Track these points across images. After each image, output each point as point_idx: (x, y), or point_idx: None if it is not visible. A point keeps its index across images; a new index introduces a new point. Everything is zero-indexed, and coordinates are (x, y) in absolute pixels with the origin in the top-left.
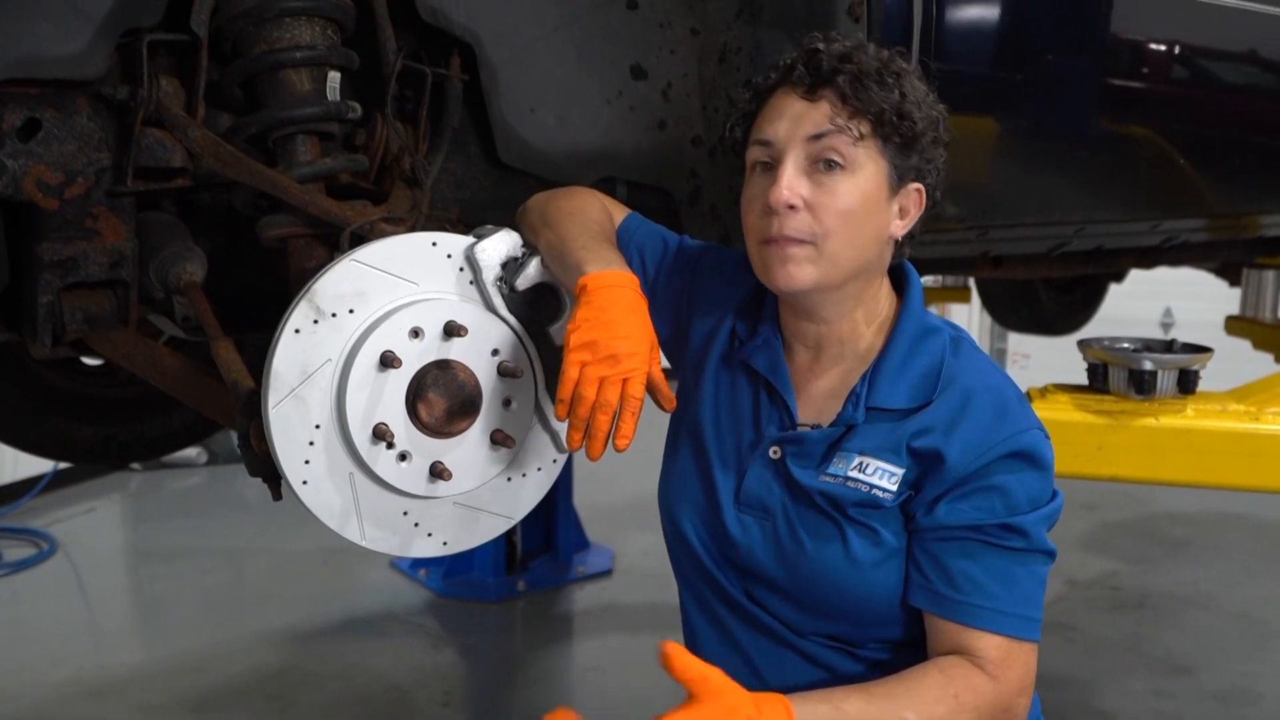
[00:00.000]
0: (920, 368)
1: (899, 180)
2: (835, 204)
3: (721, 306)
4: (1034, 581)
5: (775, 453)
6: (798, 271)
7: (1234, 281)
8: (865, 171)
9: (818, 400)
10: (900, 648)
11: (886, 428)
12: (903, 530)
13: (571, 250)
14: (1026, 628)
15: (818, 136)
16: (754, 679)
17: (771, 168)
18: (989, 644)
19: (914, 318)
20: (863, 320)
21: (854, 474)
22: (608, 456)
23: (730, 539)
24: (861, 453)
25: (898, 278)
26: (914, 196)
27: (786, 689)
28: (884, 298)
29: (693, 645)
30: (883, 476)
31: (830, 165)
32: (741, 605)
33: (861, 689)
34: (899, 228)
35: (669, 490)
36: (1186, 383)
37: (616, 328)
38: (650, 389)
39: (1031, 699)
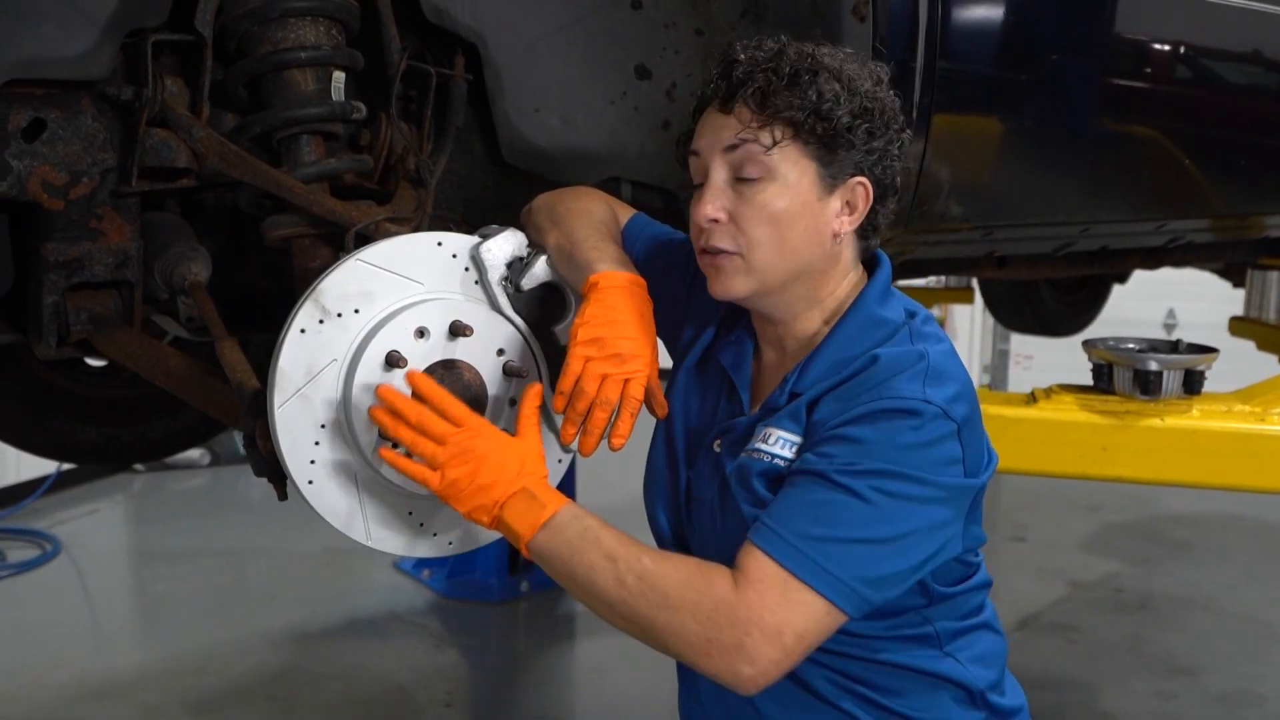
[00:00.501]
0: (849, 354)
1: (833, 179)
2: (756, 214)
3: (711, 308)
4: (856, 539)
5: (717, 446)
6: (730, 282)
7: (1237, 282)
8: (786, 178)
9: (767, 393)
10: (867, 640)
11: (796, 404)
12: None
13: (581, 250)
14: (802, 562)
15: (731, 148)
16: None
17: (701, 184)
18: (755, 560)
19: (864, 312)
20: (819, 317)
21: (758, 444)
22: (610, 456)
23: (692, 532)
24: (768, 425)
25: (872, 268)
26: (859, 191)
27: (769, 695)
28: (844, 290)
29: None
30: (782, 445)
31: (746, 178)
32: None
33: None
34: (846, 223)
35: (646, 486)
36: (1192, 383)
37: (623, 327)
38: (647, 394)
39: (787, 652)
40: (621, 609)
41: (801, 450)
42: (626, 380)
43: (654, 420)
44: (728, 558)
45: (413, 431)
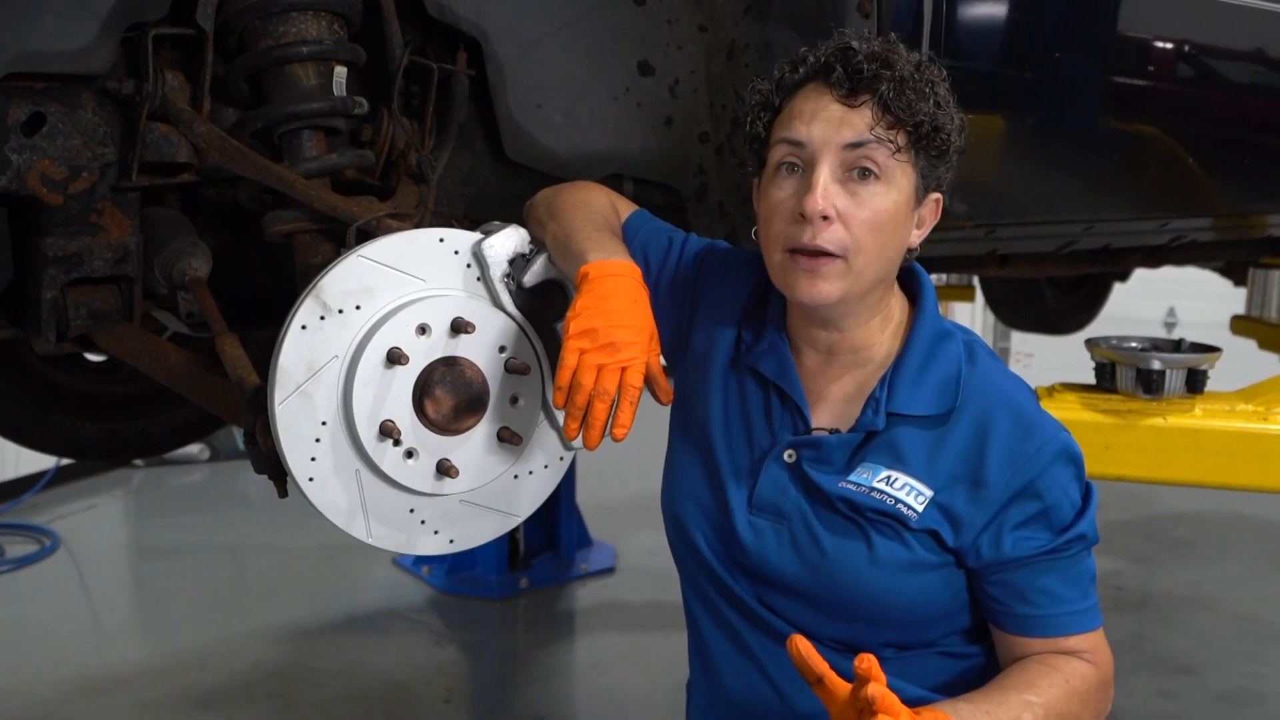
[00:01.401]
0: (939, 373)
1: (924, 191)
2: (868, 217)
3: (726, 308)
4: (1090, 574)
5: (790, 456)
6: (826, 286)
7: (1239, 281)
8: (897, 184)
9: (833, 404)
10: (910, 651)
11: (921, 444)
12: (935, 548)
13: (575, 240)
14: (1097, 616)
15: (856, 145)
16: (766, 683)
17: (798, 170)
18: (1078, 642)
19: (929, 322)
20: (877, 327)
21: (880, 485)
22: (610, 453)
23: (740, 543)
24: (890, 466)
25: (908, 280)
26: (932, 207)
27: (803, 693)
28: (896, 302)
29: (701, 650)
30: (910, 493)
31: (865, 174)
32: (753, 610)
33: (973, 696)
34: (916, 237)
35: (674, 495)
36: (1194, 382)
37: (617, 316)
38: (648, 380)
39: None
40: None
41: (957, 514)
42: (623, 369)
43: (666, 417)
44: (819, 576)
45: None
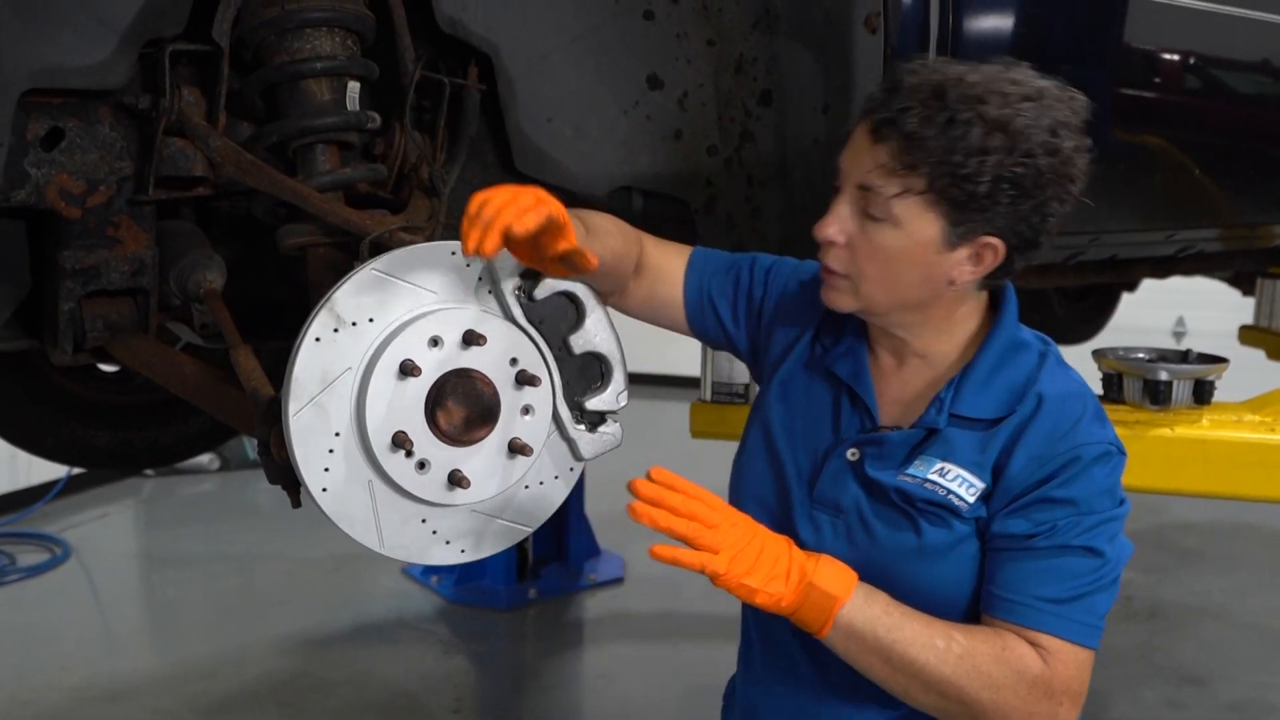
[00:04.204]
0: (1007, 380)
1: (960, 237)
2: (870, 250)
3: (801, 316)
4: (1084, 586)
5: (853, 454)
6: (837, 298)
7: (1247, 291)
8: (909, 227)
9: (900, 404)
10: None
11: (972, 440)
12: (975, 537)
13: None
14: (1078, 630)
15: (864, 187)
16: (813, 674)
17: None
18: (1042, 638)
19: (1005, 333)
20: (937, 338)
21: (933, 477)
22: (619, 464)
23: (800, 540)
24: (945, 459)
25: (998, 295)
26: (988, 250)
27: (847, 689)
28: (967, 319)
29: (746, 649)
30: (962, 485)
31: (870, 216)
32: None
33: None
34: (968, 273)
35: (739, 491)
36: (1202, 393)
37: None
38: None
39: (1080, 707)
40: (943, 686)
41: (989, 499)
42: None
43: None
44: (869, 566)
45: (685, 520)
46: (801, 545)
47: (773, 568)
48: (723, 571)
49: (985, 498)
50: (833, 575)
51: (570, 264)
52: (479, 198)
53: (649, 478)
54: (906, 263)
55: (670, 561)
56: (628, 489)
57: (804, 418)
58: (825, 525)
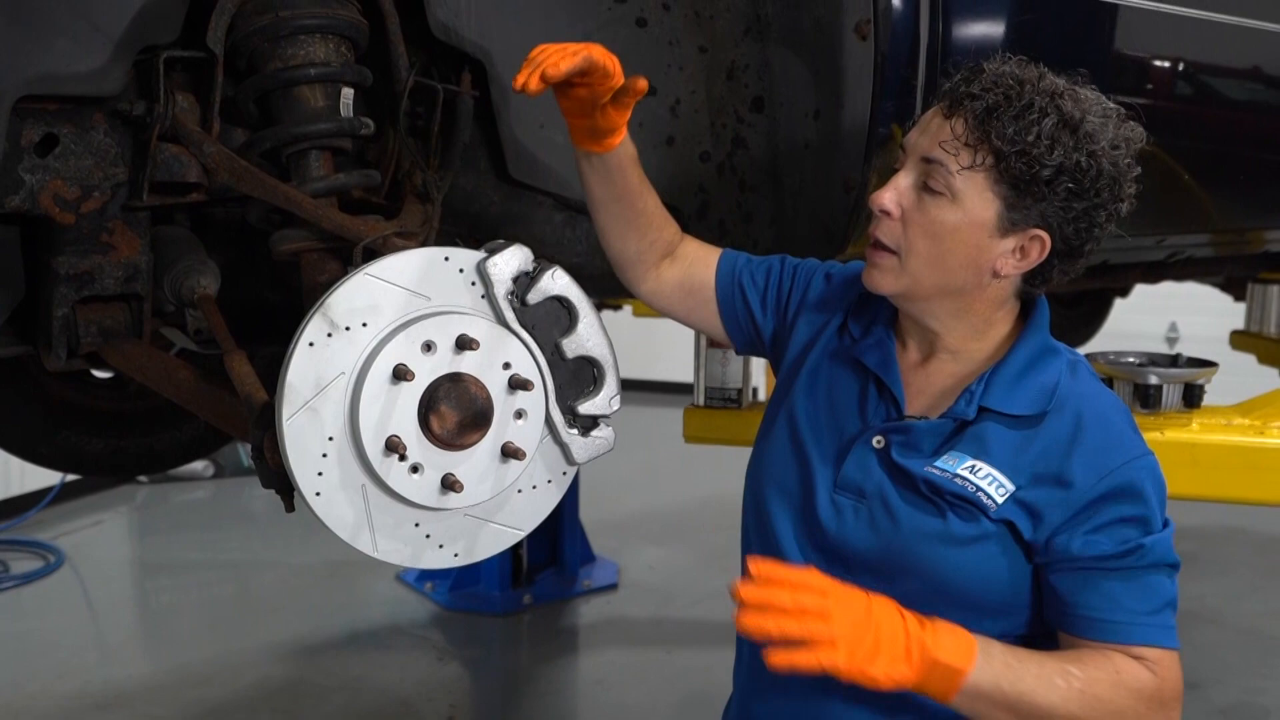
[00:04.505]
0: (1038, 381)
1: (1013, 223)
2: (924, 223)
3: (829, 309)
4: (1166, 597)
5: (879, 442)
6: (880, 278)
7: (1238, 296)
8: (968, 204)
9: (928, 396)
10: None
11: (1008, 440)
12: (1009, 539)
13: None
14: (1170, 636)
15: (928, 160)
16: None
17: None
18: (1143, 652)
19: (1037, 337)
20: (970, 334)
21: (964, 473)
22: (613, 470)
23: (820, 523)
24: (976, 456)
25: (1029, 306)
26: (1036, 243)
27: (845, 692)
28: (1002, 322)
29: (741, 662)
30: (992, 484)
31: (931, 189)
32: None
33: (1011, 646)
34: (1011, 266)
35: (759, 476)
36: (1191, 397)
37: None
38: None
39: (1181, 710)
40: None
41: (1040, 514)
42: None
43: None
44: (891, 552)
45: (797, 620)
46: (822, 528)
47: (892, 649)
48: (844, 666)
49: (1030, 510)
50: (952, 645)
51: (622, 100)
52: (537, 48)
53: (748, 575)
54: (957, 242)
55: (789, 668)
56: (730, 595)
57: (829, 406)
58: (847, 509)
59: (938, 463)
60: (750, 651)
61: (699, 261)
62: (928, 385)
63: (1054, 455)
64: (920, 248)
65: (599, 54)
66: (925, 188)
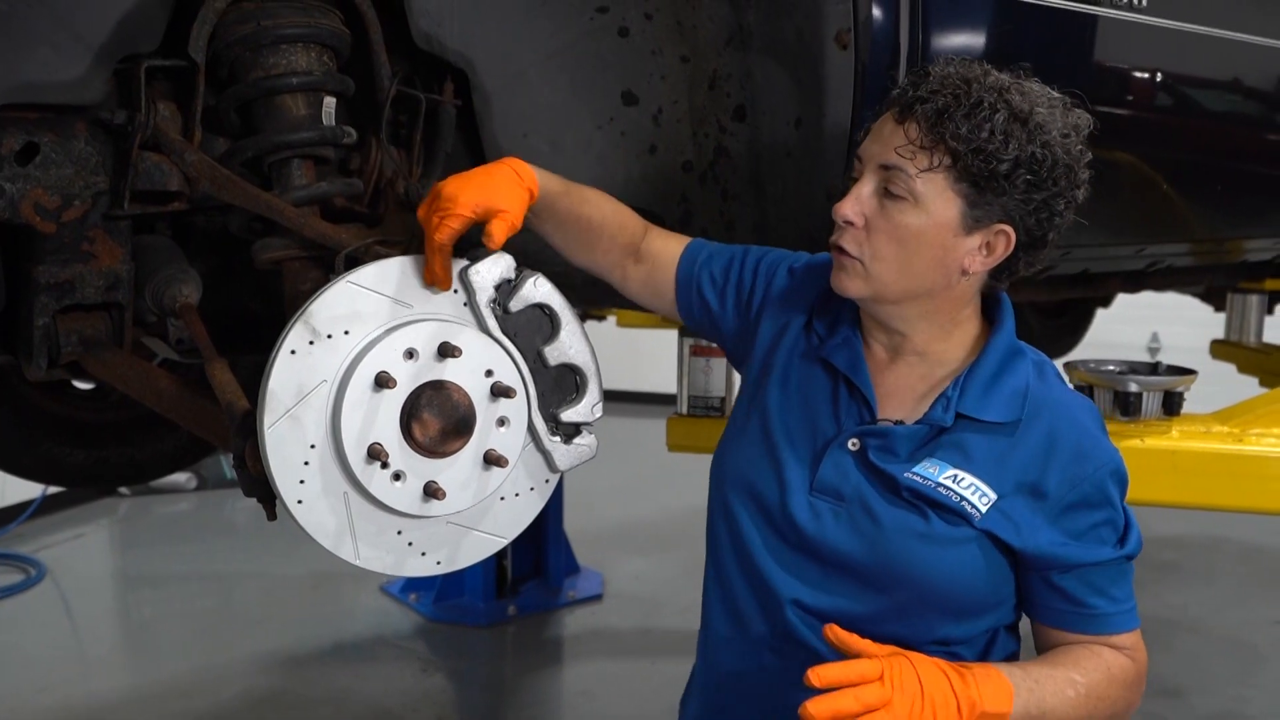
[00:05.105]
0: (1009, 385)
1: (976, 220)
2: (888, 229)
3: (793, 304)
4: (1130, 579)
5: (854, 444)
6: (847, 281)
7: (1219, 306)
8: (930, 206)
9: (901, 400)
10: (960, 650)
11: (988, 447)
12: (992, 548)
13: None
14: (1137, 617)
15: (886, 166)
16: (765, 676)
17: (854, 180)
18: (1123, 639)
19: (1005, 338)
20: (939, 335)
21: (946, 481)
22: (598, 480)
23: (797, 524)
24: (958, 466)
25: (993, 305)
26: (1001, 237)
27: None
28: (968, 321)
29: (707, 638)
30: (975, 493)
31: (892, 194)
32: (784, 620)
33: (1022, 664)
34: (979, 263)
35: (729, 478)
36: (1171, 404)
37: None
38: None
39: None
40: None
41: (1019, 521)
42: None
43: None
44: (876, 555)
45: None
46: (799, 528)
47: (945, 710)
48: None
49: (1003, 513)
50: (994, 693)
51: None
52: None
53: (808, 682)
54: (923, 244)
55: None
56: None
57: (803, 407)
58: (825, 513)
59: (917, 469)
60: (726, 628)
61: (662, 260)
62: (898, 387)
63: (1033, 466)
64: (887, 253)
65: (494, 205)
66: (886, 194)
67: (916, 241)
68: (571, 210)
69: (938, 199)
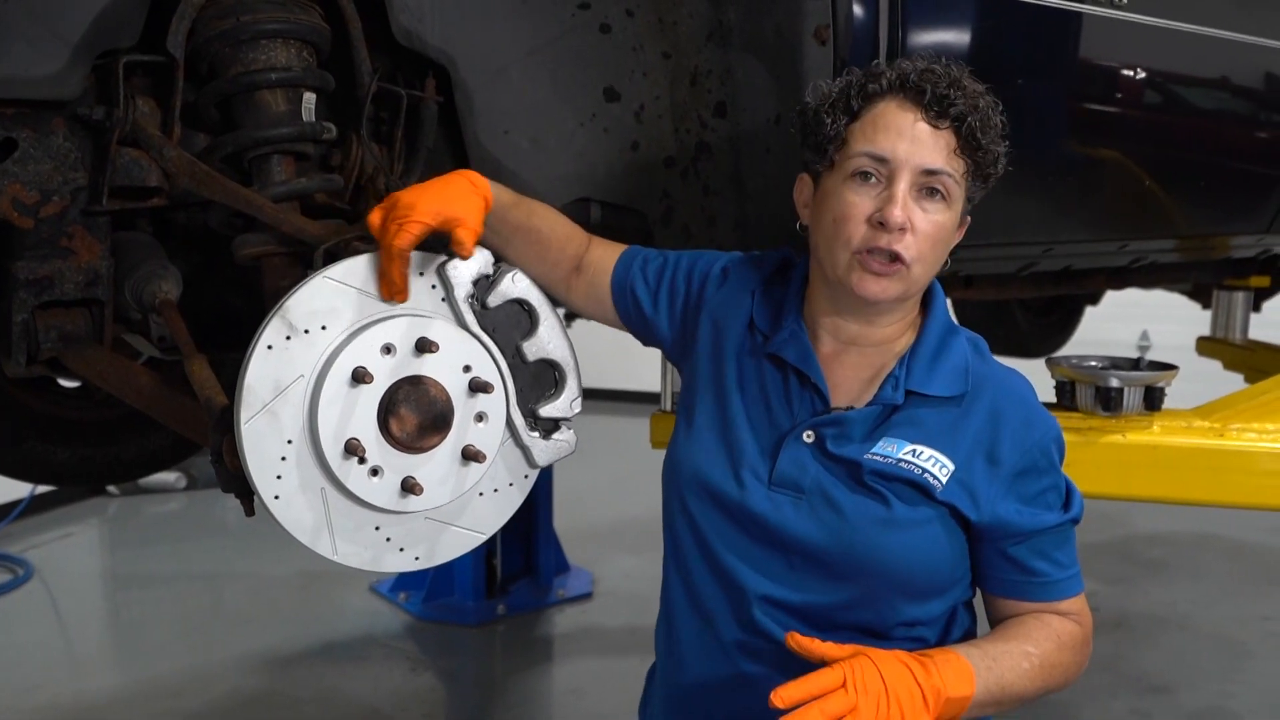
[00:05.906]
0: (951, 361)
1: (965, 209)
2: (931, 231)
3: (731, 304)
4: (1074, 545)
5: (810, 437)
6: (888, 286)
7: (1206, 304)
8: (954, 203)
9: (847, 386)
10: (924, 632)
11: (941, 420)
12: (951, 520)
13: None
14: (1081, 581)
15: (933, 171)
16: (732, 672)
17: (871, 178)
18: (1068, 605)
19: (941, 316)
20: (904, 324)
21: (906, 457)
22: (588, 479)
23: (757, 515)
24: (915, 440)
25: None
26: (968, 217)
27: (773, 659)
28: (914, 304)
29: (669, 635)
30: (935, 465)
31: (934, 193)
32: (752, 618)
33: (977, 642)
34: (958, 242)
35: (684, 477)
36: (1152, 400)
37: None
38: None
39: None
40: (1036, 694)
41: (976, 489)
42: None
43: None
44: (839, 544)
45: None
46: (761, 520)
47: (913, 706)
48: None
49: (961, 484)
50: (956, 678)
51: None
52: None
53: (772, 704)
54: (946, 241)
55: None
56: None
57: (755, 403)
58: (786, 505)
59: (875, 449)
60: (687, 622)
61: (600, 270)
62: (845, 376)
63: (984, 435)
64: (925, 252)
65: (454, 215)
66: (924, 194)
67: (945, 239)
68: (521, 222)
69: (959, 197)
